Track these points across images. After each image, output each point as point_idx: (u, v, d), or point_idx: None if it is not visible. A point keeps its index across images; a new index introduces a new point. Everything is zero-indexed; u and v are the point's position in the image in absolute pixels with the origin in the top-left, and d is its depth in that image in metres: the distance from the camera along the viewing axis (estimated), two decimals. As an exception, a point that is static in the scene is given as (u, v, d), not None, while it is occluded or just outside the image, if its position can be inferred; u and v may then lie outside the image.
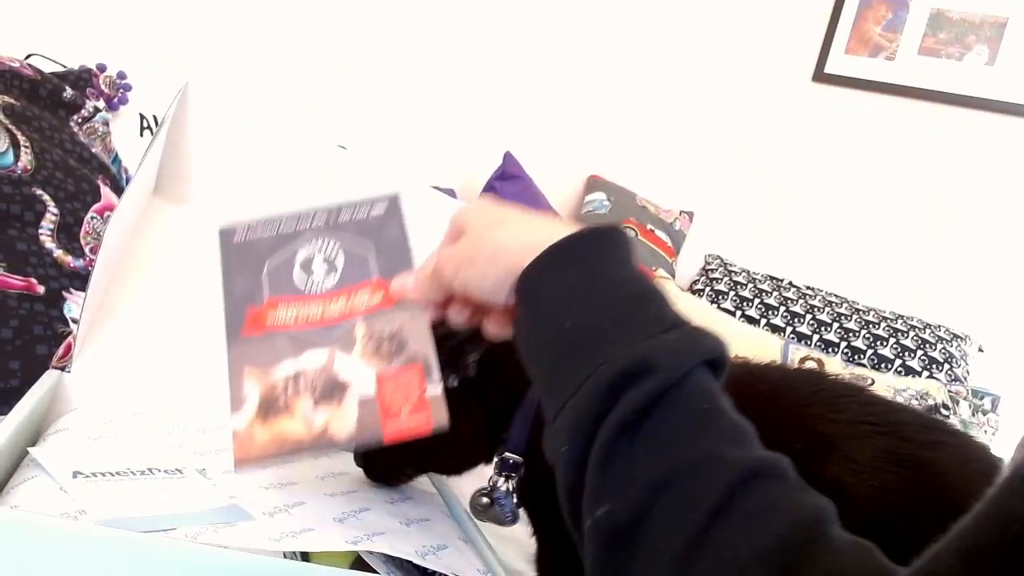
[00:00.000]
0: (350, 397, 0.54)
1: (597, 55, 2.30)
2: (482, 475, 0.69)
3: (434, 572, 0.59)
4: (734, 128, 2.35)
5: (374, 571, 0.56)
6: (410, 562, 0.58)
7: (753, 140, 2.33)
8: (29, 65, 0.98)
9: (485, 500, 0.67)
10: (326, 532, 0.56)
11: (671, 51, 2.43)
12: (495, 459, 0.68)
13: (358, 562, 0.58)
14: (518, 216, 0.54)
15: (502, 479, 0.67)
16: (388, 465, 0.70)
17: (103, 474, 0.58)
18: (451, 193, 1.69)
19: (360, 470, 0.71)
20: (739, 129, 2.35)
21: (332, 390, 0.54)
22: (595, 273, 0.47)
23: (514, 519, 0.68)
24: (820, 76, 2.23)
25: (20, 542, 0.44)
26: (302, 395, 0.54)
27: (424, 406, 0.54)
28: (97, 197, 0.92)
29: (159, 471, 0.61)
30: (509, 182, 1.73)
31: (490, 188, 1.73)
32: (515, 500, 0.68)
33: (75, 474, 0.57)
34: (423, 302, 0.56)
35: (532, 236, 0.49)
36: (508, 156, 1.74)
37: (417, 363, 0.55)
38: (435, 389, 0.54)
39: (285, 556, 0.54)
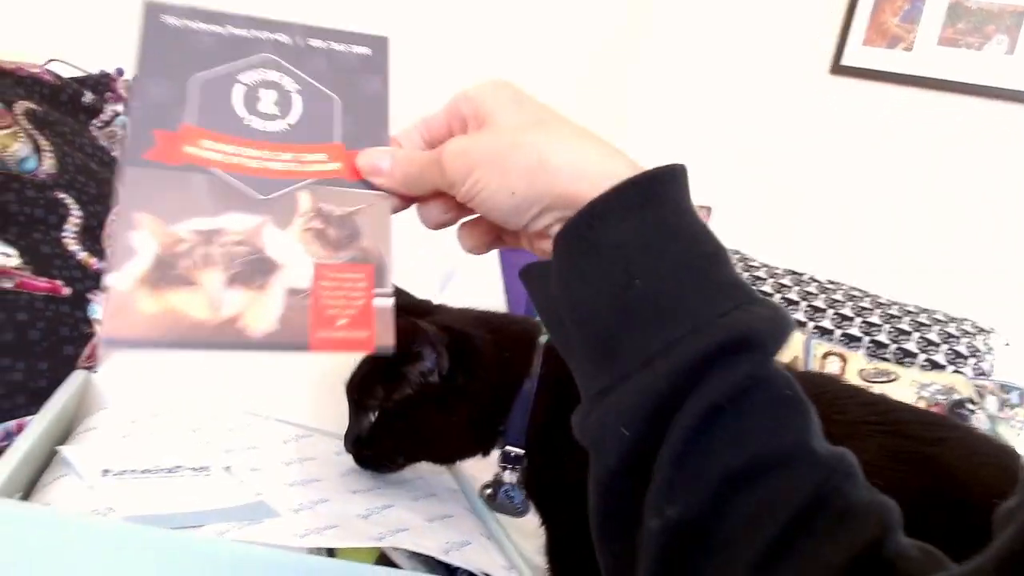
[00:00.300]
0: (276, 284, 0.40)
1: (613, 46, 2.30)
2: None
3: (457, 568, 0.60)
4: (752, 122, 2.34)
5: (398, 567, 0.57)
6: (434, 558, 0.58)
7: (771, 134, 2.32)
8: (49, 71, 1.00)
9: (489, 491, 0.68)
10: (351, 529, 0.56)
11: (687, 43, 2.42)
12: (499, 452, 0.68)
13: (382, 558, 0.58)
14: (562, 120, 0.43)
15: (507, 471, 0.68)
16: (378, 453, 0.71)
17: (131, 472, 0.59)
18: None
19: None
20: (757, 123, 2.33)
21: (254, 269, 0.40)
22: (668, 223, 0.39)
23: (525, 509, 0.69)
24: (837, 68, 2.21)
25: (51, 539, 0.45)
26: (213, 265, 0.39)
27: (367, 320, 0.41)
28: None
29: (186, 469, 0.62)
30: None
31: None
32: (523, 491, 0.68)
33: (104, 472, 0.58)
34: (399, 191, 0.44)
35: (586, 158, 0.40)
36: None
37: (368, 264, 0.42)
38: (385, 301, 0.42)
39: (310, 553, 0.54)
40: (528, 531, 0.71)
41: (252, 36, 0.44)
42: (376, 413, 0.68)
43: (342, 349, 0.41)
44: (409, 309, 0.76)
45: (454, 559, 0.58)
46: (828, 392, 0.67)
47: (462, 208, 0.45)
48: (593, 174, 0.39)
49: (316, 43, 0.46)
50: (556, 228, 0.40)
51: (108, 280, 0.37)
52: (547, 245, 0.41)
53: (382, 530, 0.57)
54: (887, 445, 0.61)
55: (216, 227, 0.40)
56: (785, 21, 2.28)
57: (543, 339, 0.71)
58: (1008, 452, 0.64)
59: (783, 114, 2.31)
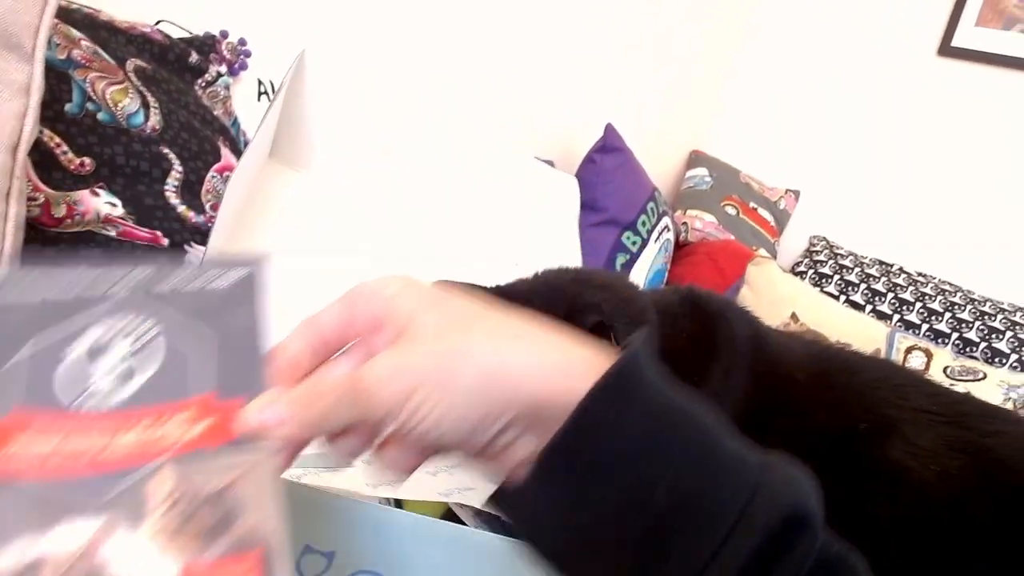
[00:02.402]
0: None
1: (702, 25, 2.24)
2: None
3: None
4: (849, 104, 2.25)
5: (463, 524, 0.59)
6: (498, 519, 0.60)
7: (870, 117, 2.23)
8: (159, 31, 1.04)
9: None
10: (419, 484, 0.59)
11: (781, 21, 2.34)
12: None
13: (448, 515, 0.61)
14: (492, 314, 0.36)
15: None
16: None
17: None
18: (550, 164, 1.69)
19: None
20: (855, 105, 2.25)
21: None
22: (661, 408, 0.34)
23: None
24: (947, 50, 2.10)
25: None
26: None
27: None
28: (218, 157, 0.98)
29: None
30: (610, 155, 1.72)
31: (590, 160, 1.72)
32: None
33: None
34: (303, 438, 0.34)
35: (543, 354, 0.35)
36: (609, 128, 1.73)
37: (255, 549, 0.30)
38: None
39: (381, 503, 0.57)
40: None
41: (88, 293, 0.35)
42: None
43: None
44: None
45: (517, 521, 0.59)
46: (892, 380, 0.69)
47: (391, 438, 0.37)
48: (556, 372, 0.34)
49: (169, 285, 0.36)
50: (521, 442, 0.35)
51: None
52: (506, 463, 0.36)
53: (450, 487, 0.59)
54: (945, 434, 0.63)
55: (41, 552, 0.28)
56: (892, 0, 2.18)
57: None
58: None
59: (884, 97, 2.21)
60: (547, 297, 0.69)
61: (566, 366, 0.34)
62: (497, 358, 0.34)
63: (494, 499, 0.38)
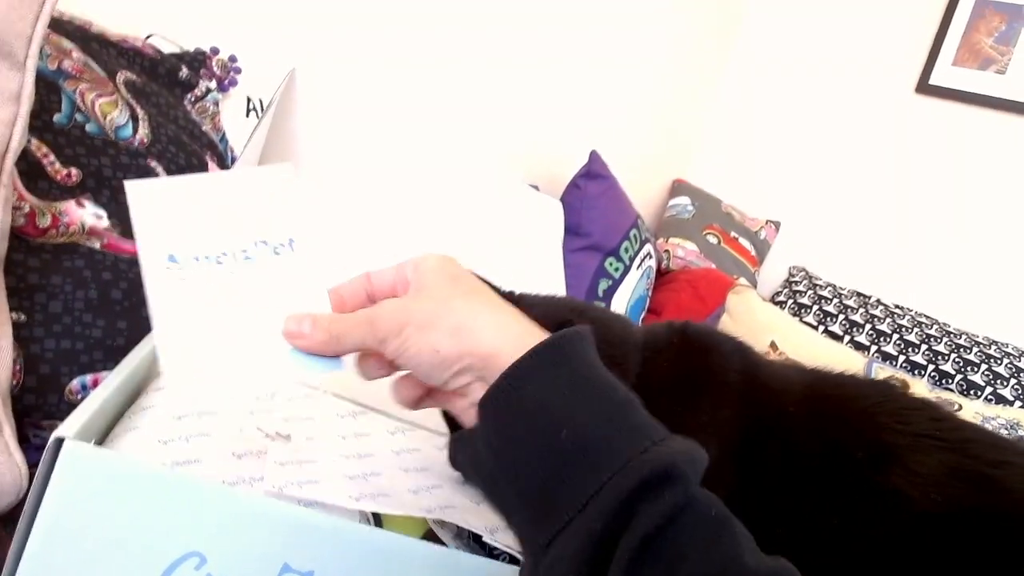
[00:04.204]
0: None
1: (686, 56, 2.28)
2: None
3: (500, 552, 0.61)
4: (830, 137, 2.30)
5: (444, 544, 0.58)
6: (477, 542, 0.60)
7: (849, 151, 2.27)
8: (150, 45, 1.05)
9: None
10: (401, 500, 0.58)
11: (765, 55, 2.39)
12: None
13: (427, 536, 0.60)
14: (490, 295, 0.49)
15: None
16: None
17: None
18: (535, 188, 1.70)
19: (434, 448, 0.74)
20: (835, 139, 2.29)
21: None
22: (584, 378, 0.42)
23: None
24: (924, 87, 2.15)
25: (122, 484, 0.48)
26: None
27: None
28: (205, 172, 0.98)
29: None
30: (594, 181, 1.73)
31: (575, 186, 1.73)
32: None
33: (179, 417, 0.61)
34: (321, 352, 0.48)
35: (506, 324, 0.45)
36: (594, 155, 1.75)
37: None
38: None
39: (362, 517, 0.56)
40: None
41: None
42: None
43: None
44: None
45: (499, 540, 0.59)
46: (893, 401, 0.67)
47: (394, 365, 0.49)
48: (511, 337, 0.44)
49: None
50: (475, 387, 0.45)
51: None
52: (463, 403, 0.47)
53: (431, 504, 0.59)
54: (947, 461, 0.61)
55: None
56: (872, 37, 2.23)
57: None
58: None
59: (864, 132, 2.25)
60: (543, 313, 0.70)
61: (518, 334, 0.44)
62: (471, 315, 0.45)
63: (452, 444, 0.53)
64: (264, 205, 0.51)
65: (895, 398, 0.69)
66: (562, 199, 1.72)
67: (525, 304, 0.74)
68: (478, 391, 0.44)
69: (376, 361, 0.49)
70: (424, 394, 0.51)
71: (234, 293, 0.48)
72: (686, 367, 0.72)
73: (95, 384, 0.79)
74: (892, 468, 0.61)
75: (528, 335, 0.44)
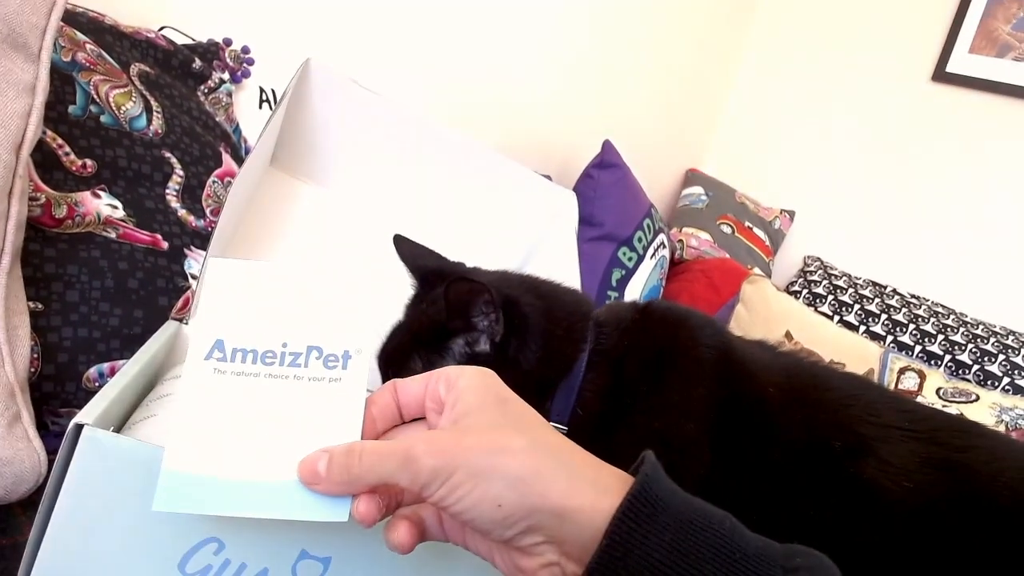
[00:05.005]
0: None
1: (699, 45, 2.27)
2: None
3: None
4: (845, 126, 2.28)
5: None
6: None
7: (865, 139, 2.25)
8: (163, 36, 1.05)
9: None
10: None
11: (779, 44, 2.37)
12: None
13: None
14: (545, 426, 0.42)
15: None
16: None
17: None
18: (548, 178, 1.70)
19: None
20: (850, 127, 2.27)
21: None
22: (685, 522, 0.37)
23: None
24: (941, 75, 2.12)
25: (140, 470, 0.48)
26: None
27: None
28: (219, 163, 0.98)
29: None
30: (607, 171, 1.72)
31: (587, 176, 1.73)
32: None
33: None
34: (338, 493, 0.41)
35: (573, 468, 0.38)
36: (607, 144, 1.74)
37: None
38: None
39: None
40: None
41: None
42: None
43: None
44: (447, 271, 0.76)
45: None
46: (864, 397, 0.69)
47: (399, 501, 0.43)
48: (585, 487, 0.37)
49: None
50: (545, 548, 0.38)
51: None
52: (531, 564, 0.39)
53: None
54: (918, 451, 0.63)
55: None
56: (887, 24, 2.20)
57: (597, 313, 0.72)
58: None
59: (879, 120, 2.23)
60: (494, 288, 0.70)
61: (595, 482, 0.38)
62: (534, 462, 0.37)
63: None
64: (333, 309, 0.47)
65: (866, 390, 0.71)
66: (575, 189, 1.71)
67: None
68: (550, 552, 0.38)
69: (409, 525, 0.41)
70: (421, 535, 0.42)
71: (263, 401, 0.44)
72: (650, 343, 0.71)
73: (112, 372, 0.80)
74: (867, 459, 0.63)
75: (598, 477, 0.38)
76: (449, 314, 0.67)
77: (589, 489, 0.37)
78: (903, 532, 0.61)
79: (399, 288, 0.92)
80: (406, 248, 0.81)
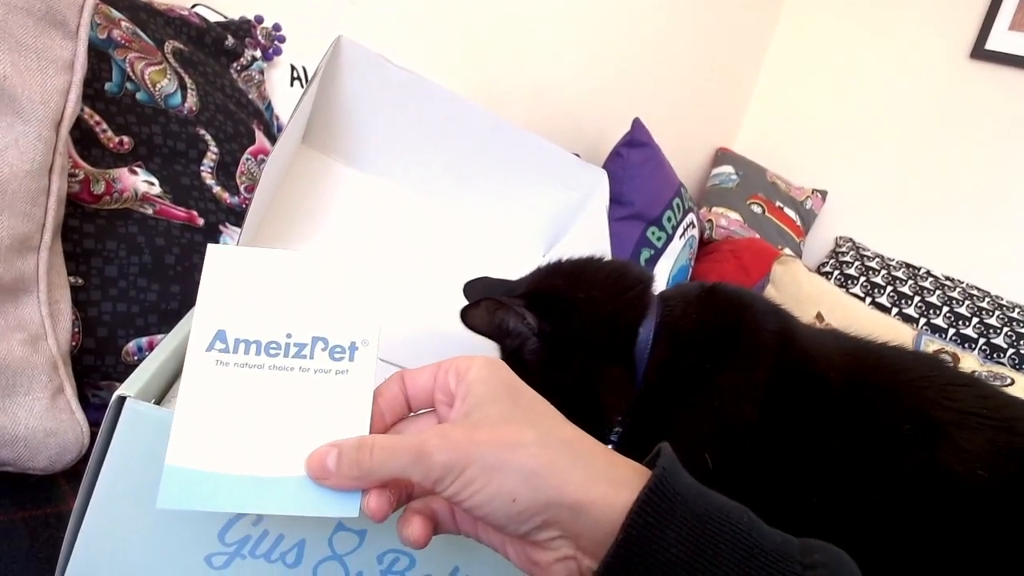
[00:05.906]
0: None
1: (730, 22, 2.23)
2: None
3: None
4: (879, 104, 2.23)
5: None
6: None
7: (900, 118, 2.20)
8: (195, 14, 1.05)
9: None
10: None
11: (812, 20, 2.32)
12: None
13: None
14: (558, 418, 0.41)
15: None
16: None
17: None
18: (576, 156, 1.69)
19: None
20: (884, 105, 2.22)
21: None
22: (702, 516, 0.36)
23: None
24: (979, 53, 2.07)
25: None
26: None
27: None
28: (252, 140, 0.99)
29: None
30: (636, 149, 1.71)
31: (616, 154, 1.71)
32: None
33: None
34: (348, 488, 0.40)
35: (587, 460, 0.38)
36: (637, 123, 1.72)
37: None
38: None
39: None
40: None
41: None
42: None
43: None
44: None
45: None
46: (941, 376, 0.67)
47: (409, 494, 0.42)
48: (599, 479, 0.37)
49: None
50: (560, 543, 0.38)
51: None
52: (546, 558, 0.39)
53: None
54: (995, 440, 0.60)
55: None
56: (925, 0, 2.15)
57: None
58: None
59: (914, 98, 2.18)
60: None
61: (608, 473, 0.37)
62: (548, 455, 0.37)
63: None
64: (338, 299, 0.45)
65: (942, 373, 0.68)
66: (604, 167, 1.70)
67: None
68: (565, 547, 0.38)
69: (396, 492, 0.41)
70: (434, 529, 0.42)
71: (268, 393, 0.43)
72: (717, 322, 0.71)
73: (150, 347, 0.81)
74: (941, 444, 0.61)
75: (613, 470, 0.38)
76: (494, 339, 0.69)
77: (604, 482, 0.37)
78: (974, 521, 0.59)
79: (411, 277, 0.92)
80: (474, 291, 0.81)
